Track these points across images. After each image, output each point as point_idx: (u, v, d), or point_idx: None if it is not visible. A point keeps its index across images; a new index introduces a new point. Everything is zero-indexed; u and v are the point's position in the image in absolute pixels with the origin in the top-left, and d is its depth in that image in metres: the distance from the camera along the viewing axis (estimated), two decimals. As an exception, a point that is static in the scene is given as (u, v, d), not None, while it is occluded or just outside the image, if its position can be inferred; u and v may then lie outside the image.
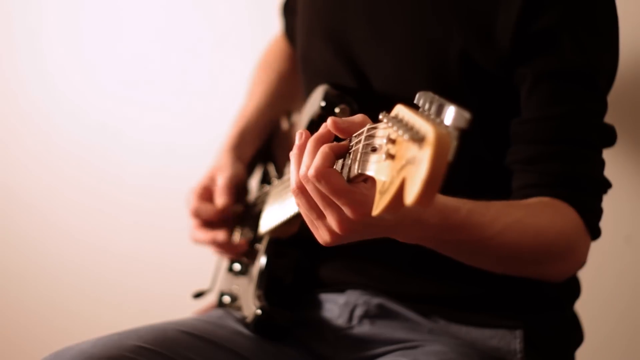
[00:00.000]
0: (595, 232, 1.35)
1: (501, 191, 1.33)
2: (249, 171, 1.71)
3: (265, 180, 1.67)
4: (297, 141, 1.07)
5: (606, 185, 1.36)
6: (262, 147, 1.73)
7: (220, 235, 1.57)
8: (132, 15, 2.38)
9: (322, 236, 1.09)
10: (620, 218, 1.74)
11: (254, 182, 1.72)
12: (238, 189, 1.64)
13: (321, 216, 1.06)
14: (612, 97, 1.38)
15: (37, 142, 2.45)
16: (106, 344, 1.32)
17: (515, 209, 1.28)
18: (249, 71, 1.87)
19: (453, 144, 0.80)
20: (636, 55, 1.76)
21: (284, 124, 1.72)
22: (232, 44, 2.29)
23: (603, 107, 1.36)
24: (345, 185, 1.01)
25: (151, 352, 1.33)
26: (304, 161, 1.04)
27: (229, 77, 2.28)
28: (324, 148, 1.02)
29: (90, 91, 2.41)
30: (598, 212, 1.35)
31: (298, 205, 1.09)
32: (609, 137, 1.37)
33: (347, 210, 1.02)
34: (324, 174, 1.00)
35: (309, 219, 1.09)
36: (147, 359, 1.32)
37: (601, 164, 1.36)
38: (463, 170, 1.41)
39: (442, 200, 1.15)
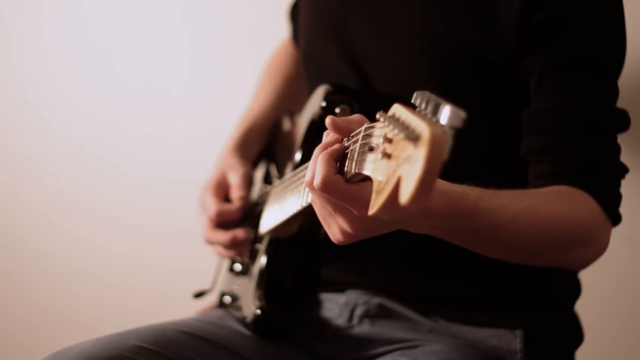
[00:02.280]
0: (615, 218, 1.34)
1: (515, 183, 1.31)
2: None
3: (267, 180, 1.67)
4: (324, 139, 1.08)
5: (623, 170, 1.36)
6: (265, 147, 1.73)
7: (240, 233, 1.55)
8: (133, 16, 2.39)
9: (334, 234, 1.09)
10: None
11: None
12: (250, 186, 1.64)
13: (332, 215, 1.07)
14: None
15: (37, 143, 2.46)
16: (106, 344, 1.32)
17: (527, 196, 1.28)
18: (251, 72, 1.88)
19: (448, 143, 0.80)
20: (636, 55, 1.75)
21: (286, 125, 1.72)
22: (233, 44, 2.30)
23: (614, 93, 1.36)
24: (350, 190, 1.01)
25: (151, 352, 1.33)
26: (309, 169, 1.05)
27: (230, 78, 2.29)
28: (324, 156, 1.03)
29: (90, 92, 2.41)
30: (616, 198, 1.34)
31: (313, 202, 1.09)
32: (622, 122, 1.37)
33: (357, 212, 1.03)
34: (329, 183, 1.01)
35: (322, 216, 1.10)
36: (147, 359, 1.32)
37: (617, 149, 1.35)
38: (472, 164, 1.42)
39: (450, 187, 1.15)
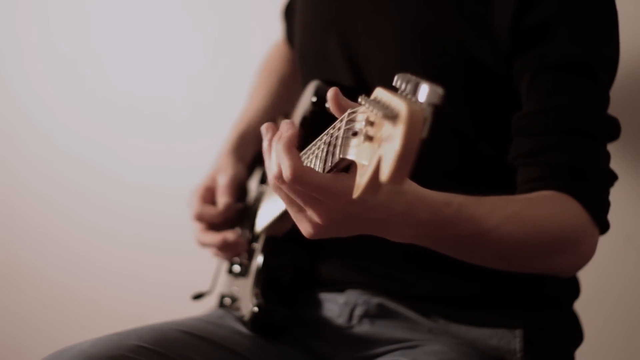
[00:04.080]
0: (602, 225, 1.32)
1: (503, 187, 1.32)
2: (249, 173, 1.71)
3: (263, 181, 1.67)
4: (265, 136, 1.09)
5: (612, 177, 1.34)
6: (261, 148, 1.73)
7: (230, 235, 1.56)
8: (132, 17, 2.41)
9: (305, 228, 1.09)
10: (621, 218, 1.72)
11: (253, 184, 1.72)
12: (239, 189, 1.64)
13: (301, 209, 1.07)
14: (612, 96, 1.37)
15: (34, 147, 2.48)
16: (106, 344, 1.32)
17: (513, 202, 1.27)
18: (249, 74, 1.88)
19: (427, 119, 0.81)
20: (636, 55, 1.76)
21: (282, 125, 1.72)
22: (232, 45, 2.31)
23: (605, 99, 1.35)
24: (324, 180, 1.01)
25: (151, 352, 1.34)
26: (272, 163, 1.05)
27: (229, 79, 2.29)
28: (284, 146, 1.02)
29: (89, 94, 2.43)
30: (604, 204, 1.33)
31: (282, 199, 1.09)
32: (612, 129, 1.36)
33: (328, 202, 1.03)
34: (301, 174, 1.01)
35: (292, 212, 1.10)
36: (147, 359, 1.32)
37: (606, 155, 1.34)
38: (463, 165, 1.42)
39: (432, 195, 1.15)
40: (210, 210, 1.60)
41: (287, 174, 1.01)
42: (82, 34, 2.44)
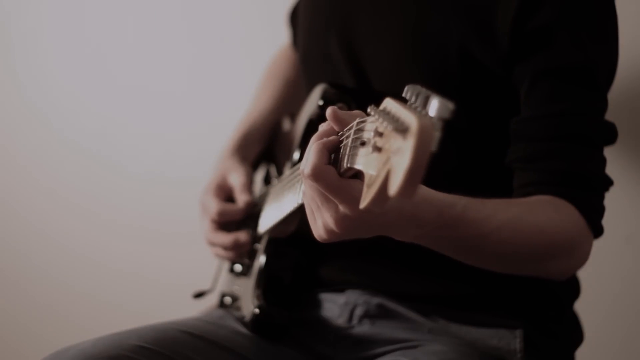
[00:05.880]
0: (597, 230, 1.34)
1: (501, 190, 1.32)
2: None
3: (267, 181, 1.67)
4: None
5: (608, 182, 1.35)
6: (264, 149, 1.73)
7: (243, 236, 1.55)
8: (133, 17, 2.40)
9: (318, 230, 1.09)
10: (620, 218, 1.74)
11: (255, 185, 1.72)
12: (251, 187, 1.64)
13: (318, 209, 1.07)
14: (612, 97, 1.37)
15: (36, 144, 2.47)
16: (106, 344, 1.32)
17: (513, 206, 1.28)
18: (250, 73, 1.88)
19: (436, 134, 0.80)
20: (636, 55, 1.76)
21: (286, 126, 1.72)
22: (233, 45, 2.31)
23: (603, 105, 1.36)
24: (339, 183, 1.01)
25: (151, 352, 1.33)
26: (304, 158, 1.05)
27: (229, 79, 2.29)
28: (318, 145, 1.03)
29: (90, 93, 2.43)
30: (600, 210, 1.34)
31: (304, 193, 1.09)
32: (610, 134, 1.36)
33: (343, 207, 1.03)
34: (319, 172, 1.01)
35: (310, 209, 1.10)
36: (147, 359, 1.32)
37: (602, 161, 1.35)
38: (461, 168, 1.42)
39: (437, 196, 1.15)
40: (232, 208, 1.58)
41: (307, 170, 1.02)
42: (84, 27, 2.43)
